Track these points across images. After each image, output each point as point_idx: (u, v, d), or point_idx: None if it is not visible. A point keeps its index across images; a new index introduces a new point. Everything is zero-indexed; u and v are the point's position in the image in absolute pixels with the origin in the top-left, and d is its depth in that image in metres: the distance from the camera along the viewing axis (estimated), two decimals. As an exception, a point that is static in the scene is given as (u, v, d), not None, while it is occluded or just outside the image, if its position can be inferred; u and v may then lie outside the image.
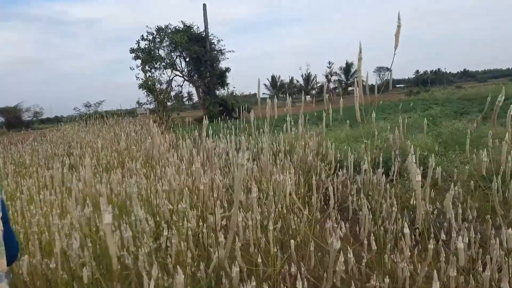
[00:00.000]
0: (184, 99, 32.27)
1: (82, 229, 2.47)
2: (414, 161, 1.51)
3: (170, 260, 2.11)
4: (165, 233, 2.04)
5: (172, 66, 27.77)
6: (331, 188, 2.40)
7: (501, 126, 8.32)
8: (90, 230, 2.79)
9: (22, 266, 2.17)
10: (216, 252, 1.92)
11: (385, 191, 3.07)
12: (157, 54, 26.67)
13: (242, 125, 6.91)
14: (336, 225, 2.40)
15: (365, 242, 2.33)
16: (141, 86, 25.43)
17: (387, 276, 1.99)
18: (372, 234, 2.30)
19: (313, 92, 70.78)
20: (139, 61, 26.39)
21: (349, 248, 1.92)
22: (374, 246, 2.17)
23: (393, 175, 3.41)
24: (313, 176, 3.06)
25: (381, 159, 3.34)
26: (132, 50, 26.19)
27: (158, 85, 26.26)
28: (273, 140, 5.09)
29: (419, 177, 1.47)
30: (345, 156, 5.22)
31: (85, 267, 2.18)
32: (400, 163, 3.55)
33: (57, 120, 31.43)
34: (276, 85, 71.82)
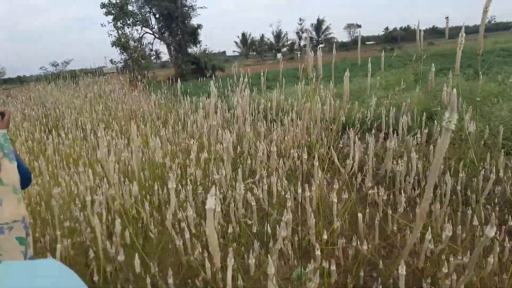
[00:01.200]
0: (152, 58, 30.92)
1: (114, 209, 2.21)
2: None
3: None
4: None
5: (145, 22, 26.38)
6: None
7: (494, 82, 8.30)
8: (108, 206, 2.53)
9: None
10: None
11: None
12: (128, 10, 25.10)
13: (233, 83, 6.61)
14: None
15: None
16: (114, 44, 24.08)
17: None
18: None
19: (284, 49, 69.79)
20: (110, 17, 24.75)
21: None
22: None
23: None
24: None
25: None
26: (103, 5, 24.42)
27: (132, 43, 24.91)
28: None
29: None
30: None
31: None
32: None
33: (19, 80, 29.75)
34: (246, 43, 70.35)
